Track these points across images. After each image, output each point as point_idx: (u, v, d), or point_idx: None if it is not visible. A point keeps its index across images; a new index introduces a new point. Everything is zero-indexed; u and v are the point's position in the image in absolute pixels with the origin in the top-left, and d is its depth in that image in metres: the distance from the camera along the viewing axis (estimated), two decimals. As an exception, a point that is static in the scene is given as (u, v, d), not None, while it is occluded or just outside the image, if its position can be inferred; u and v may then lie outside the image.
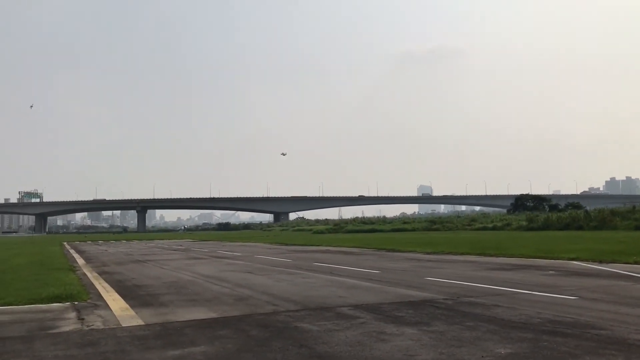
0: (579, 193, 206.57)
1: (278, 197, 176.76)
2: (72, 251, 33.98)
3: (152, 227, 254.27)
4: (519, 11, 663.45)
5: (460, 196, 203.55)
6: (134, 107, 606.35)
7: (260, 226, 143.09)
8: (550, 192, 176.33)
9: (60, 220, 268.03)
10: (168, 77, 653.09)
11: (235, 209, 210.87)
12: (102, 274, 16.58)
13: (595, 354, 5.35)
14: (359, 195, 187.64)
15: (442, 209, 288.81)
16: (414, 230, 61.61)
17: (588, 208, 65.45)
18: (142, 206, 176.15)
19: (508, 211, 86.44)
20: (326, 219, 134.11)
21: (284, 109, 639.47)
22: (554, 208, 73.72)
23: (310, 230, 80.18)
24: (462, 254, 20.64)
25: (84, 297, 10.42)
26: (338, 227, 77.79)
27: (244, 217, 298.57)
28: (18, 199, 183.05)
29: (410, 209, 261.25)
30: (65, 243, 51.19)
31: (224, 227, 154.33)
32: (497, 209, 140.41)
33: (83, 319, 8.16)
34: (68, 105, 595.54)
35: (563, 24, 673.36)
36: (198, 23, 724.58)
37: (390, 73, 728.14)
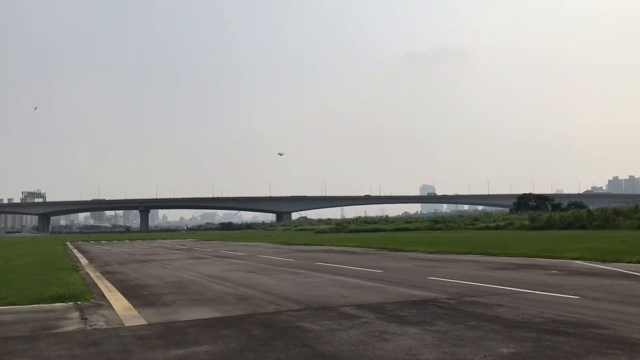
0: (581, 192, 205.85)
1: (280, 197, 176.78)
2: (75, 251, 34.04)
3: (155, 227, 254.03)
4: (521, 11, 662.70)
5: (463, 195, 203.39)
6: (136, 107, 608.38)
7: (263, 226, 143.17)
8: (553, 192, 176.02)
9: (63, 220, 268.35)
10: (170, 77, 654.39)
11: (237, 208, 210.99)
12: (105, 273, 16.61)
13: (598, 354, 5.34)
14: (365, 195, 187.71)
15: (445, 208, 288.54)
16: (416, 229, 61.56)
17: (591, 207, 65.49)
18: (145, 206, 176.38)
19: (511, 210, 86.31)
20: (329, 219, 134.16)
21: (286, 108, 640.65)
22: (556, 207, 73.71)
23: (313, 229, 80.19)
24: (464, 253, 20.62)
25: (87, 297, 10.43)
26: (340, 226, 77.74)
27: (247, 216, 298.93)
28: (21, 199, 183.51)
29: (413, 209, 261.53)
30: (68, 243, 51.30)
31: (227, 226, 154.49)
32: (499, 209, 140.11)
33: (86, 318, 8.17)
34: (71, 106, 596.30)
35: (565, 24, 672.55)
36: (199, 23, 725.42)
37: (393, 73, 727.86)
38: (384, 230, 63.47)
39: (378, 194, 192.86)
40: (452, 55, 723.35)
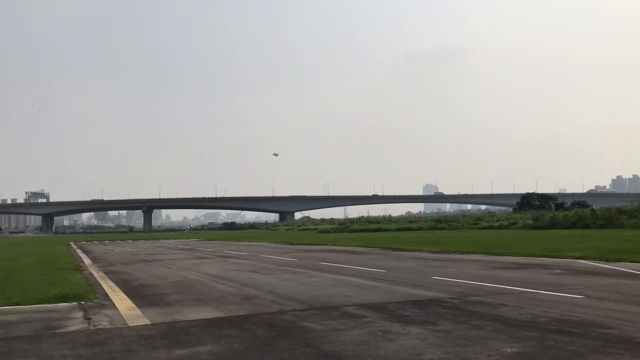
0: (585, 192, 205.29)
1: (283, 197, 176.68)
2: (78, 251, 34.11)
3: (158, 226, 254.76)
4: (522, 11, 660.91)
5: (466, 195, 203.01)
6: (139, 108, 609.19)
7: (266, 225, 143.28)
8: (557, 191, 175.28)
9: (66, 220, 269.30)
10: (173, 78, 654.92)
11: (240, 208, 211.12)
12: (108, 273, 16.64)
13: (602, 353, 5.33)
14: (373, 195, 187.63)
15: (448, 207, 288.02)
16: (419, 229, 61.56)
17: (594, 206, 65.37)
18: (148, 206, 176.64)
19: (514, 210, 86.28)
20: (332, 218, 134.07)
21: (289, 108, 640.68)
22: (560, 207, 73.57)
23: (316, 229, 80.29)
24: (468, 253, 20.60)
25: (90, 297, 10.45)
26: (343, 226, 77.79)
27: (250, 216, 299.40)
28: (25, 199, 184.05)
29: (416, 208, 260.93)
30: (71, 243, 51.41)
31: (230, 226, 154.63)
32: (503, 208, 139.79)
33: (90, 318, 8.19)
34: (74, 106, 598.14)
35: (567, 24, 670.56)
36: (200, 23, 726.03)
37: (395, 72, 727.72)
38: (387, 229, 63.48)
39: (381, 194, 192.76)
40: (453, 55, 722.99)
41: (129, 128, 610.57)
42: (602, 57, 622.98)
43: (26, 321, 8.03)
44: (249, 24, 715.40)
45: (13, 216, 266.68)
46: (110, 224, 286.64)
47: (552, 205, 78.18)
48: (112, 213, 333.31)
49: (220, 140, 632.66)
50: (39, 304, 9.61)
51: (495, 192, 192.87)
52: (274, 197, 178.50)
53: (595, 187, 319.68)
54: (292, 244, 36.08)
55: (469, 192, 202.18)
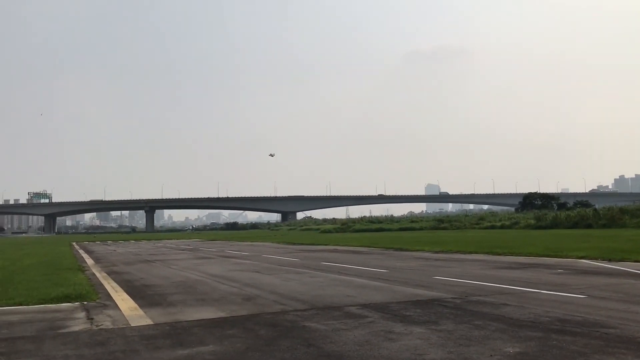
0: (587, 191, 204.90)
1: (285, 197, 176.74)
2: (81, 251, 34.16)
3: (161, 227, 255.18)
4: (523, 11, 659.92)
5: (468, 195, 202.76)
6: (141, 108, 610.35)
7: (268, 225, 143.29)
8: (559, 191, 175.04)
9: (69, 221, 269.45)
10: (175, 78, 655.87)
11: (242, 208, 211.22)
12: (110, 273, 16.67)
13: (604, 353, 5.32)
14: (379, 195, 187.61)
15: (450, 207, 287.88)
16: (421, 229, 61.50)
17: (597, 206, 65.30)
18: (151, 206, 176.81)
19: (516, 210, 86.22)
20: (334, 218, 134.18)
21: (290, 108, 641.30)
22: (562, 206, 73.49)
23: (318, 229, 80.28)
24: (470, 252, 20.58)
25: (93, 297, 10.47)
26: (345, 226, 77.75)
27: (252, 216, 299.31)
28: (27, 200, 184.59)
29: (418, 208, 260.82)
30: (74, 243, 51.48)
31: (232, 226, 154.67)
32: (505, 208, 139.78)
33: (92, 318, 8.20)
34: (76, 107, 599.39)
35: (567, 25, 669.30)
36: (201, 23, 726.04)
37: (395, 72, 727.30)
38: (389, 229, 63.46)
39: (386, 194, 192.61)
40: (453, 55, 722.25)
41: (131, 128, 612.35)
42: (602, 57, 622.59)
43: (29, 321, 8.05)
44: (249, 24, 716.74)
45: (16, 217, 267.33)
46: (113, 225, 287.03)
47: (555, 205, 78.11)
48: (114, 213, 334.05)
49: (222, 140, 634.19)
50: (42, 304, 9.64)
51: (497, 192, 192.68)
52: (275, 197, 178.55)
53: (598, 186, 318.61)
54: (294, 244, 36.09)
55: (471, 192, 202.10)
